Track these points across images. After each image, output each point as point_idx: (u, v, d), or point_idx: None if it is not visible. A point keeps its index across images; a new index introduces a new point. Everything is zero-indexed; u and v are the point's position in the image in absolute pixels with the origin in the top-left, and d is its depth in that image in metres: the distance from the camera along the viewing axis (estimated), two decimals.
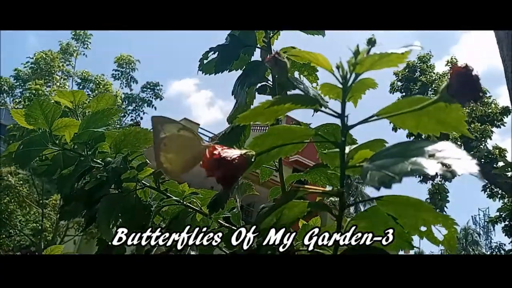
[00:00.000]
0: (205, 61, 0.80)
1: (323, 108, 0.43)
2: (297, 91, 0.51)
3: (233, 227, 0.88)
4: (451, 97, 0.38)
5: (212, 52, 0.79)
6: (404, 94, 9.32)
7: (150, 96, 9.62)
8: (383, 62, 0.40)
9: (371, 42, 0.41)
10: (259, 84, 0.81)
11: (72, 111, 1.03)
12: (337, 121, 0.49)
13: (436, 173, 0.33)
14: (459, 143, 8.32)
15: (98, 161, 0.91)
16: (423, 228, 0.53)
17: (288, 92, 0.62)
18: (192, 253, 0.79)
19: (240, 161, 0.44)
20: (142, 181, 0.91)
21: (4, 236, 7.26)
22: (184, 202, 0.90)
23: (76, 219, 8.63)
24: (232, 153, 0.44)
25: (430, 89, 8.88)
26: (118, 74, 9.26)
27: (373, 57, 0.39)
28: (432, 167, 0.35)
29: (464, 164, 0.34)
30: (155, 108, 9.61)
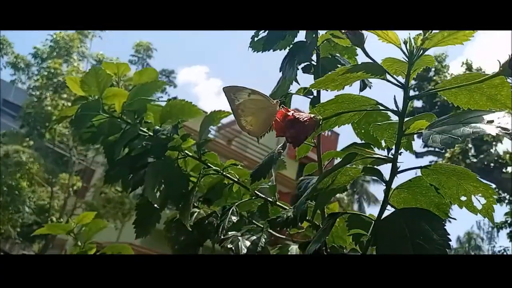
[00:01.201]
0: (255, 39, 0.85)
1: (389, 78, 0.48)
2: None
3: (268, 199, 0.93)
4: None
5: (263, 30, 0.84)
6: (417, 92, 9.31)
7: (167, 83, 9.73)
8: (450, 39, 0.44)
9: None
10: (303, 64, 0.86)
11: (117, 83, 1.09)
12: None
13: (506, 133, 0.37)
14: (470, 145, 8.32)
15: (144, 129, 0.96)
16: (463, 198, 0.58)
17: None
18: (233, 217, 0.84)
19: (310, 123, 0.49)
20: (185, 151, 0.96)
21: (13, 211, 7.38)
22: (224, 173, 0.95)
23: (84, 200, 8.76)
24: (303, 115, 0.49)
25: None
26: (135, 59, 9.36)
27: (442, 33, 0.44)
28: (491, 130, 0.40)
29: None
30: (169, 95, 9.71)
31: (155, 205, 0.88)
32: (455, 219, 0.64)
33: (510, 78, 0.44)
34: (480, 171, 8.83)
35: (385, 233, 0.54)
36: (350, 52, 0.91)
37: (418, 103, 9.74)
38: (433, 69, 9.53)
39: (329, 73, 0.47)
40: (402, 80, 0.51)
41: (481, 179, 0.53)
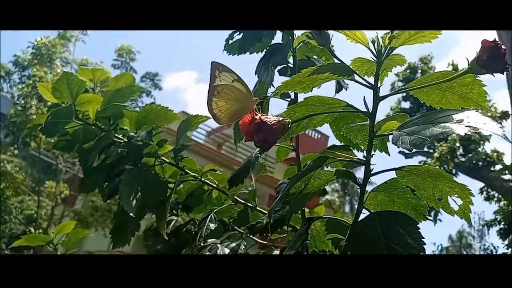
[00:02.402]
0: (230, 41, 0.83)
1: (357, 79, 0.47)
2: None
3: (248, 204, 0.92)
4: (480, 68, 0.41)
5: (238, 33, 0.83)
6: (404, 94, 9.38)
7: (149, 86, 9.65)
8: (417, 38, 0.43)
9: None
10: (279, 67, 0.85)
11: (92, 89, 1.06)
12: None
13: (475, 132, 0.36)
14: (458, 144, 8.38)
15: (119, 136, 0.94)
16: (439, 199, 0.57)
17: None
18: (211, 225, 0.82)
19: (278, 126, 0.47)
20: (162, 157, 0.94)
21: None
22: (202, 179, 0.93)
23: (73, 208, 8.64)
24: (272, 119, 0.48)
25: None
26: (118, 64, 9.26)
27: (409, 32, 0.43)
28: (461, 129, 0.38)
29: (491, 127, 0.37)
30: (154, 98, 9.62)
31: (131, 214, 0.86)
32: (433, 220, 0.63)
33: (479, 76, 0.43)
34: (469, 170, 8.90)
35: (360, 237, 0.53)
36: (328, 54, 0.90)
37: (405, 104, 9.80)
38: (419, 71, 9.62)
39: (295, 75, 0.46)
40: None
41: (456, 180, 0.51)
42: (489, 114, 8.44)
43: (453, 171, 9.05)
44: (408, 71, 9.68)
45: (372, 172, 0.53)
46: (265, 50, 0.86)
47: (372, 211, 0.62)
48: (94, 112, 0.92)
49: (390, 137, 0.47)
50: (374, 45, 0.46)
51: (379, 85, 0.47)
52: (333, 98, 0.50)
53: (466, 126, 0.38)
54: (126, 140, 0.91)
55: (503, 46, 0.39)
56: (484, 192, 8.22)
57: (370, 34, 0.46)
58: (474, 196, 0.53)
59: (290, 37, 0.84)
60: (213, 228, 0.82)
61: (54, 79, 0.89)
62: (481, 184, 8.33)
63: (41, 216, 7.74)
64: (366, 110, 0.48)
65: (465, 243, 15.12)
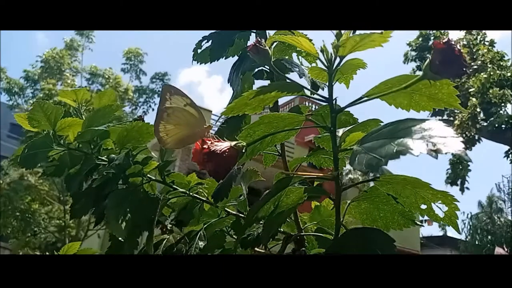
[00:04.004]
0: (199, 50, 0.79)
1: (310, 94, 0.43)
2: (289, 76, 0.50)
3: (240, 215, 0.89)
4: (435, 74, 0.37)
5: (206, 40, 0.79)
6: (419, 63, 9.16)
7: (160, 87, 9.66)
8: (366, 43, 0.39)
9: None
10: (256, 70, 0.80)
11: (76, 110, 1.04)
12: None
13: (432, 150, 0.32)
14: (478, 110, 8.15)
15: (103, 158, 0.92)
16: (423, 206, 0.52)
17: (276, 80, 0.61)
18: (200, 243, 0.79)
19: (230, 153, 0.44)
20: (148, 175, 0.91)
21: (30, 234, 7.45)
22: (191, 193, 0.90)
23: None
24: (222, 146, 0.44)
25: None
26: (127, 67, 9.29)
27: (354, 39, 0.38)
28: (418, 147, 0.34)
29: (450, 142, 0.33)
30: None
31: (120, 239, 0.84)
32: (422, 225, 0.59)
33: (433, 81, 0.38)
34: (492, 134, 8.68)
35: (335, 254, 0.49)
36: (312, 52, 0.85)
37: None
38: (432, 38, 9.34)
39: (238, 98, 0.42)
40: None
41: (435, 189, 0.47)
42: (509, 74, 8.16)
43: (476, 137, 8.83)
44: (420, 39, 9.43)
45: (344, 187, 0.49)
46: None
47: (357, 223, 0.58)
48: (75, 136, 0.90)
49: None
50: (323, 54, 0.41)
51: (334, 96, 0.43)
52: (290, 114, 0.46)
53: (424, 143, 0.34)
54: (108, 161, 0.88)
55: (457, 47, 0.34)
56: (510, 155, 7.99)
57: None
58: (459, 201, 0.49)
59: (263, 38, 0.79)
60: (201, 246, 0.79)
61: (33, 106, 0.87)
62: (506, 148, 8.10)
63: (68, 225, 7.91)
64: (325, 124, 0.44)
65: (496, 208, 14.80)
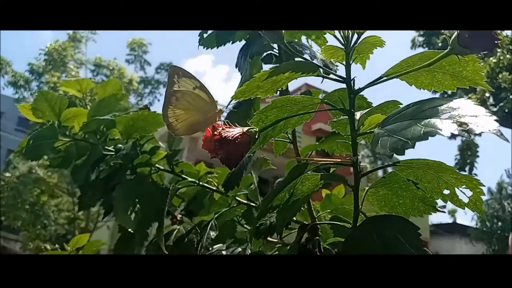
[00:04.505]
0: (205, 35, 0.77)
1: (327, 74, 0.40)
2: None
3: (251, 204, 0.87)
4: (463, 48, 0.34)
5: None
6: (427, 48, 9.02)
7: (165, 77, 9.59)
8: None
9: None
10: (264, 54, 0.77)
11: (80, 100, 1.02)
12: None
13: (464, 130, 0.29)
14: (487, 94, 8.04)
15: (110, 148, 0.90)
16: (446, 192, 0.50)
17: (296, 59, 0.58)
18: (212, 233, 0.78)
19: (243, 140, 0.41)
20: (156, 165, 0.89)
21: (40, 227, 7.51)
22: (200, 183, 0.89)
23: None
24: (234, 131, 0.42)
25: None
26: (132, 58, 9.25)
27: None
28: (447, 127, 0.31)
29: (483, 121, 0.30)
30: None
31: (129, 230, 0.82)
32: (444, 211, 0.56)
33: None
34: (502, 119, 8.57)
35: (355, 244, 0.47)
36: (318, 32, 0.81)
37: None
38: None
39: (249, 80, 0.39)
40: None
41: (460, 173, 0.44)
42: (487, 93, 7.99)
43: None
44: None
45: (362, 173, 0.46)
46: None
47: (372, 211, 0.56)
48: (80, 127, 0.88)
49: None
50: (339, 32, 0.39)
51: (352, 76, 0.40)
52: (304, 96, 0.43)
53: (454, 123, 0.32)
54: (115, 151, 0.87)
55: None
56: None
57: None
58: (484, 186, 0.46)
59: None
60: (213, 237, 0.77)
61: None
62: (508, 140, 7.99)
63: (78, 216, 7.96)
64: (342, 107, 0.42)
65: (506, 194, 14.68)
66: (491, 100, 8.89)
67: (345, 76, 0.40)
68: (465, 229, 12.48)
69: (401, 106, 0.48)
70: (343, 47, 0.39)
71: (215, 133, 0.41)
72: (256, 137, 0.43)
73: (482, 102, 8.47)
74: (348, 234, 0.49)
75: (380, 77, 0.40)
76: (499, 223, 11.55)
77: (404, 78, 0.44)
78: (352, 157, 0.44)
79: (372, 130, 0.41)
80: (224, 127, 0.42)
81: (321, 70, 0.39)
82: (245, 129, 0.42)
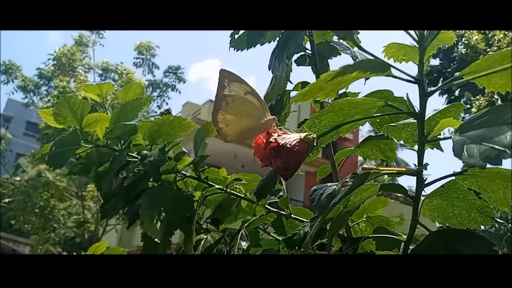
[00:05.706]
0: (236, 36, 0.73)
1: (397, 73, 0.36)
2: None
3: (281, 212, 0.83)
4: None
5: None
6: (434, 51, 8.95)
7: (173, 81, 9.57)
8: None
9: None
10: (296, 55, 0.74)
11: (100, 105, 0.99)
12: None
13: None
14: (496, 97, 7.94)
15: (133, 154, 0.86)
16: None
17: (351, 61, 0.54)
18: (243, 243, 0.74)
19: (301, 147, 0.38)
20: (182, 172, 0.86)
21: (49, 230, 7.52)
22: (228, 190, 0.85)
23: None
24: (291, 138, 0.38)
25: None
26: (139, 61, 9.24)
27: None
28: None
29: None
30: (180, 92, 9.56)
31: (156, 240, 0.78)
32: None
33: None
34: None
35: None
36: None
37: (434, 62, 9.29)
38: None
39: (315, 81, 0.36)
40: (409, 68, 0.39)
41: None
42: (479, 101, 7.86)
43: None
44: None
45: (426, 182, 0.42)
46: (277, 39, 0.76)
47: (429, 223, 0.52)
48: (103, 132, 0.85)
49: (447, 141, 0.37)
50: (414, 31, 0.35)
51: (424, 77, 0.36)
52: (365, 99, 0.40)
53: None
54: (140, 158, 0.83)
55: None
56: None
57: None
58: None
59: None
60: (245, 247, 0.73)
61: (78, 87, 0.83)
62: None
63: (87, 220, 7.96)
64: (411, 110, 0.38)
65: None
66: (499, 101, 8.78)
67: (416, 76, 0.36)
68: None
69: (464, 108, 0.44)
70: (417, 44, 0.35)
71: (271, 140, 0.38)
72: (315, 143, 0.39)
73: (491, 104, 8.37)
74: (413, 248, 0.45)
75: (455, 78, 0.36)
76: (509, 225, 11.42)
77: (477, 80, 0.40)
78: (418, 165, 0.40)
79: (446, 136, 0.37)
80: (279, 133, 0.39)
81: (392, 69, 0.35)
82: (303, 135, 0.38)
